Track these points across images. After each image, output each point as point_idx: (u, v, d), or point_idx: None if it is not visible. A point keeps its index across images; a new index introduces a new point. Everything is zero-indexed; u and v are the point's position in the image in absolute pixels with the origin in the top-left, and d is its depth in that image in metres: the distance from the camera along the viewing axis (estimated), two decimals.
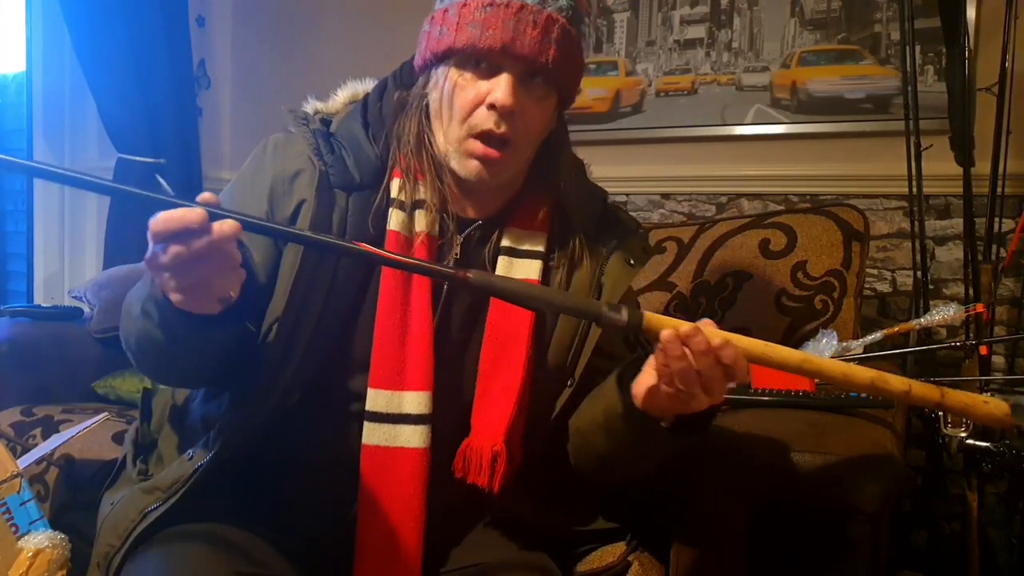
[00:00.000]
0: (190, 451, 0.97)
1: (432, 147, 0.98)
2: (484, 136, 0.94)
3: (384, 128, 1.01)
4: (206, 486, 0.94)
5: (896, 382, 0.85)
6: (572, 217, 1.04)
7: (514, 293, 0.83)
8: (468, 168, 0.95)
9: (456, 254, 1.01)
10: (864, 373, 0.84)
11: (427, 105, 0.98)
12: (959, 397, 0.87)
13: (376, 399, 0.94)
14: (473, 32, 0.91)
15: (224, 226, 0.72)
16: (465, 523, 1.04)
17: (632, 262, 1.05)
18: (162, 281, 0.75)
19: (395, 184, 0.99)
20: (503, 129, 0.93)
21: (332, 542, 0.96)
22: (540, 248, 1.02)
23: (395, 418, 0.94)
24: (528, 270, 1.01)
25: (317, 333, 0.94)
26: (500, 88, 0.91)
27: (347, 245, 0.83)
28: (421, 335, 0.95)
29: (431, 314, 0.97)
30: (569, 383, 1.02)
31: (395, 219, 0.98)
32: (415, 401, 0.94)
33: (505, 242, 1.02)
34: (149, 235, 0.71)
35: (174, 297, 0.76)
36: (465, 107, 0.94)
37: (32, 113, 2.45)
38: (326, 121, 1.04)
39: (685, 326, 0.82)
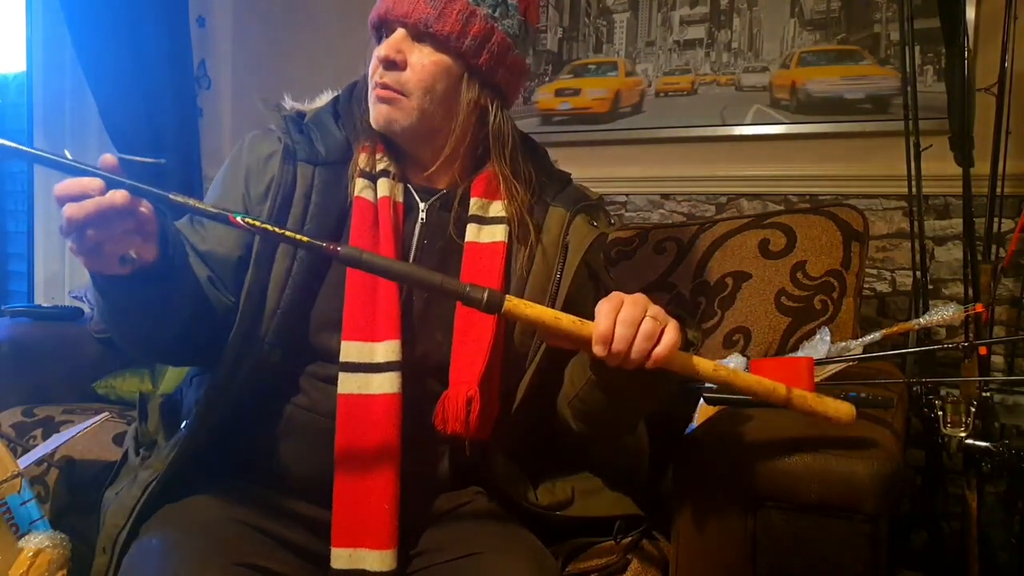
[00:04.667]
0: (184, 423, 1.04)
1: None
2: (380, 87, 1.04)
3: (353, 118, 1.10)
4: (197, 452, 1.01)
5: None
6: (535, 187, 1.11)
7: (380, 267, 0.86)
8: (375, 114, 1.05)
9: (422, 219, 1.08)
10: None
11: None
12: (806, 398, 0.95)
13: (349, 350, 0.99)
14: (376, 5, 1.05)
15: (115, 194, 0.76)
16: (445, 485, 1.07)
17: (595, 223, 1.11)
18: (70, 245, 0.80)
19: (361, 158, 1.07)
20: (386, 79, 1.03)
21: (315, 498, 1.00)
22: (505, 214, 1.08)
23: (367, 367, 0.98)
24: (494, 234, 1.07)
25: (289, 294, 1.01)
26: (385, 42, 1.03)
27: (216, 211, 0.83)
28: (388, 288, 1.01)
29: None
30: None
31: (360, 186, 1.05)
32: (385, 350, 0.99)
33: (472, 210, 1.08)
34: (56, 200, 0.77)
35: (81, 260, 0.81)
36: (373, 68, 1.05)
37: (32, 113, 2.44)
38: (301, 113, 1.11)
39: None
